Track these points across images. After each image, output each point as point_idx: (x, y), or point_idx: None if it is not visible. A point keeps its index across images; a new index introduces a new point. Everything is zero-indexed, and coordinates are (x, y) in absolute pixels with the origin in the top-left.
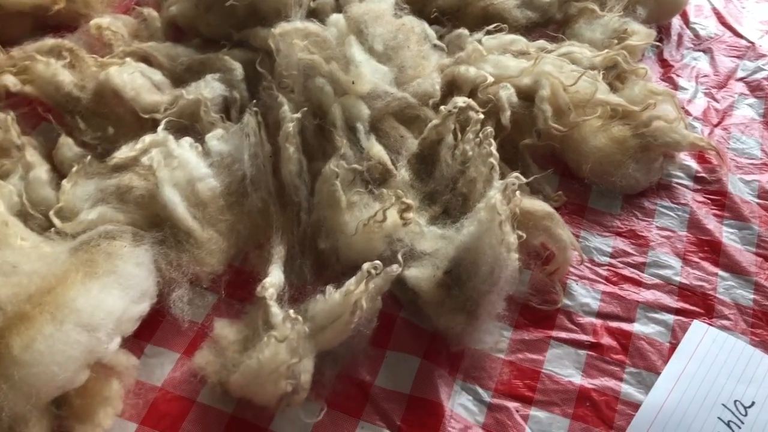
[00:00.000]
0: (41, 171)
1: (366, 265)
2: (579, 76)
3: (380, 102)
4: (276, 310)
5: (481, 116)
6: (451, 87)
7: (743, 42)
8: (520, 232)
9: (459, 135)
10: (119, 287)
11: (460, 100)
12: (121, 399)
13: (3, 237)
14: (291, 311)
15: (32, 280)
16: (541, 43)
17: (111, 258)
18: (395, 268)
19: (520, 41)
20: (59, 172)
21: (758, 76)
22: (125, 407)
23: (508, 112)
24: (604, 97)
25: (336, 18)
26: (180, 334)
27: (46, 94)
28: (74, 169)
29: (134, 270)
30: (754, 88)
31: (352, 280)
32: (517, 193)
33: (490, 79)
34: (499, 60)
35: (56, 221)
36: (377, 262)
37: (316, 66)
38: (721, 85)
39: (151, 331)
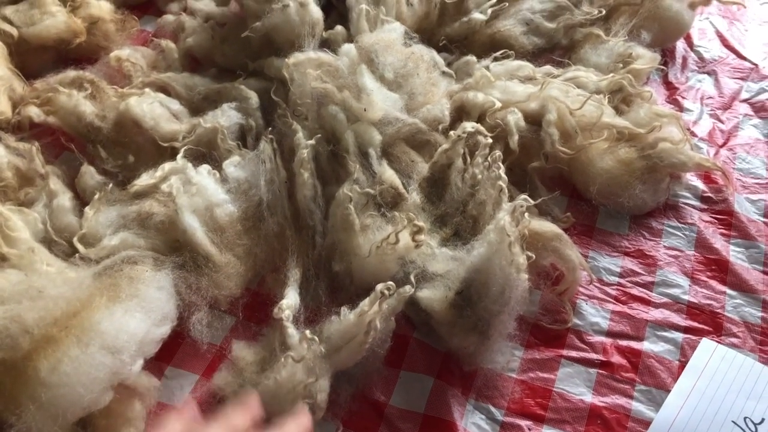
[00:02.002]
0: (64, 199)
1: (379, 286)
2: (585, 100)
3: (391, 128)
4: (292, 331)
5: (490, 140)
6: (460, 112)
7: (747, 64)
8: (529, 253)
9: (468, 159)
10: (142, 310)
11: (469, 125)
12: (143, 420)
13: (29, 263)
14: (307, 332)
15: (58, 304)
16: (548, 68)
17: (133, 282)
18: (408, 289)
19: (526, 67)
20: (82, 199)
21: (762, 97)
22: (147, 429)
23: (516, 137)
24: (610, 120)
25: (348, 48)
26: (199, 356)
27: (68, 125)
28: (96, 196)
29: (156, 294)
30: (759, 108)
31: (366, 300)
32: (526, 214)
33: (498, 105)
34: (507, 86)
35: (80, 247)
36: (390, 282)
37: (329, 94)
38: (726, 107)
39: (171, 353)
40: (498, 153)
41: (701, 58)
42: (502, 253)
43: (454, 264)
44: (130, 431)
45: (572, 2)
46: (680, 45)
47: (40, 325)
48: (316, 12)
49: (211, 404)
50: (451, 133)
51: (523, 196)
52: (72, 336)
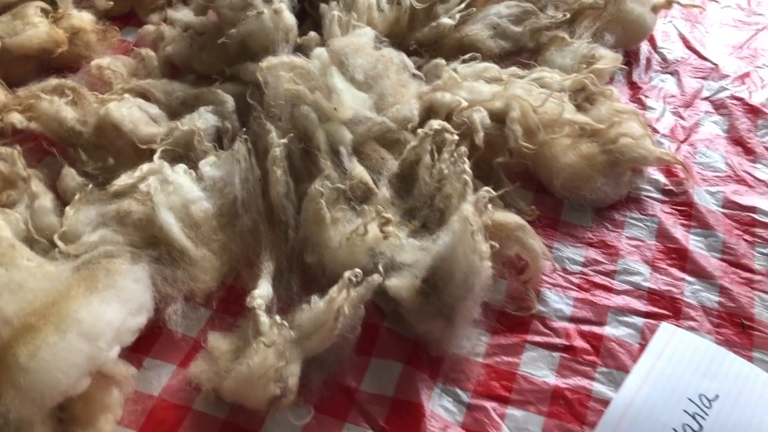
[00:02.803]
0: (46, 200)
1: (347, 273)
2: (546, 98)
3: (362, 127)
4: (264, 318)
5: (456, 138)
6: (429, 112)
7: (707, 64)
8: (493, 243)
9: (436, 155)
10: (118, 300)
11: (436, 123)
12: (121, 406)
13: (10, 259)
14: (277, 317)
15: (37, 296)
16: (513, 69)
17: (110, 274)
18: (376, 278)
19: (492, 68)
20: (63, 200)
21: (722, 95)
22: (125, 415)
23: (481, 133)
24: (571, 117)
25: (319, 51)
26: (176, 347)
27: (50, 130)
28: (77, 197)
29: (132, 285)
30: (719, 106)
31: (335, 287)
32: (489, 206)
33: (464, 104)
34: (473, 86)
35: (60, 243)
36: (357, 270)
37: (301, 96)
38: (688, 104)
39: (149, 345)
40: (463, 149)
41: (664, 59)
42: (466, 241)
43: (421, 254)
44: (108, 417)
45: (538, 7)
46: (644, 47)
47: (19, 316)
48: (289, 19)
49: (187, 392)
50: (419, 130)
51: (486, 188)
52: (50, 324)
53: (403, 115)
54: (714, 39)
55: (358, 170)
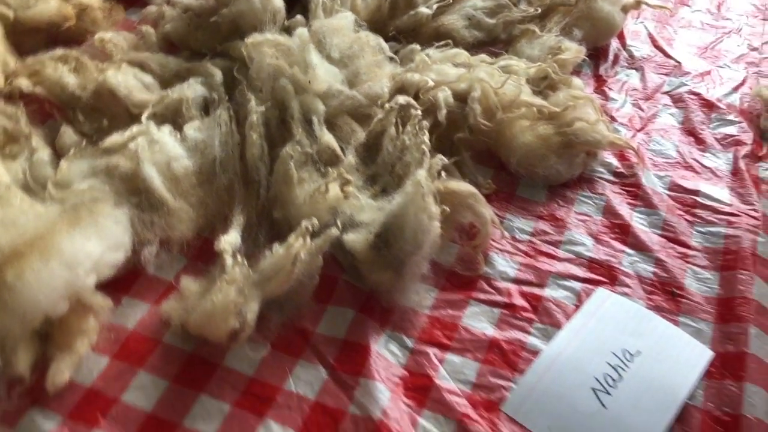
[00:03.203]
0: (44, 154)
1: (304, 222)
2: (504, 80)
3: (335, 100)
4: (228, 260)
5: (419, 113)
6: (400, 91)
7: (671, 62)
8: (444, 207)
9: (401, 128)
10: (98, 237)
11: (402, 99)
12: (96, 333)
13: (6, 199)
14: (239, 256)
15: (27, 230)
16: (482, 56)
17: (93, 215)
18: (333, 231)
19: (462, 54)
20: (59, 156)
21: (681, 89)
22: (101, 344)
23: (444, 111)
24: (527, 98)
25: (301, 31)
26: (153, 289)
27: (53, 94)
28: (71, 151)
29: (112, 225)
30: (677, 100)
31: (293, 235)
32: (443, 173)
33: (431, 83)
34: (441, 68)
35: (52, 190)
36: (314, 219)
37: (280, 69)
38: (648, 98)
39: (128, 285)
40: (425, 122)
41: (631, 56)
42: (417, 202)
43: (378, 213)
44: (83, 341)
45: (512, 1)
46: (614, 44)
47: (10, 246)
48: (277, 1)
49: (159, 327)
50: (386, 104)
51: (440, 156)
52: (36, 252)
53: (374, 91)
54: (681, 39)
55: (327, 137)
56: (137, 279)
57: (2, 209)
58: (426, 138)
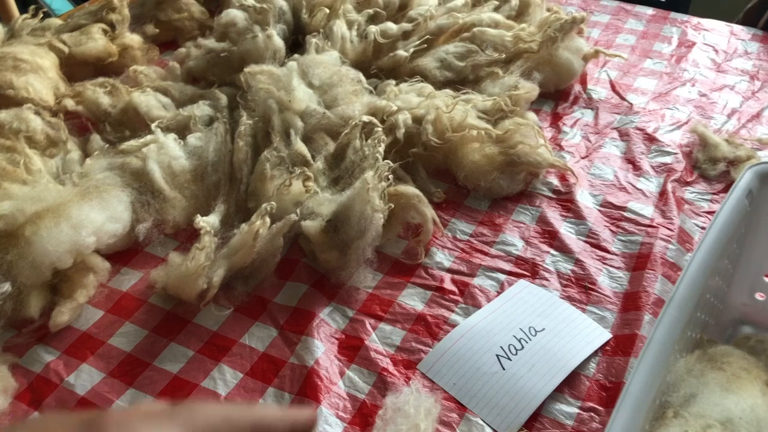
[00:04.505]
0: (75, 155)
1: (264, 204)
2: (453, 104)
3: (313, 119)
4: (204, 233)
5: (380, 129)
6: (370, 114)
7: (625, 103)
8: (391, 204)
9: (364, 141)
10: (102, 209)
11: (365, 117)
12: (95, 288)
13: (37, 180)
14: (209, 227)
15: (47, 202)
16: (447, 91)
17: (100, 193)
18: (292, 216)
19: (428, 87)
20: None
21: (629, 125)
22: (98, 300)
23: (402, 130)
24: (473, 121)
25: (290, 63)
26: (147, 263)
27: (89, 111)
28: (95, 152)
29: (116, 203)
30: (623, 134)
31: (254, 215)
32: (390, 177)
33: (395, 108)
34: (407, 97)
35: (75, 178)
36: (273, 202)
37: (269, 92)
38: (598, 132)
39: (128, 259)
40: (383, 136)
41: (590, 98)
42: (362, 195)
43: (333, 205)
44: (83, 293)
45: (481, 48)
46: (577, 88)
47: (32, 211)
48: (278, 42)
49: (147, 290)
50: (351, 121)
51: (387, 161)
52: (50, 216)
53: (347, 113)
54: (639, 86)
55: (299, 146)
56: (136, 255)
57: (32, 187)
58: (381, 149)
